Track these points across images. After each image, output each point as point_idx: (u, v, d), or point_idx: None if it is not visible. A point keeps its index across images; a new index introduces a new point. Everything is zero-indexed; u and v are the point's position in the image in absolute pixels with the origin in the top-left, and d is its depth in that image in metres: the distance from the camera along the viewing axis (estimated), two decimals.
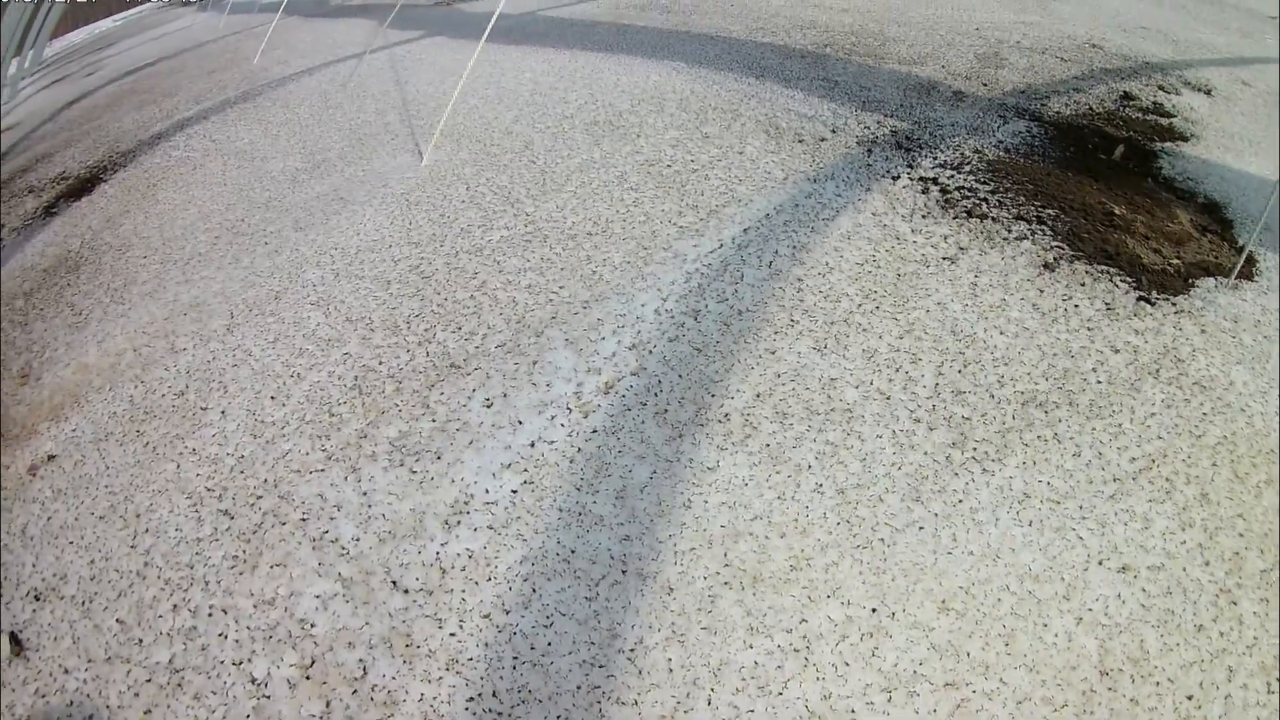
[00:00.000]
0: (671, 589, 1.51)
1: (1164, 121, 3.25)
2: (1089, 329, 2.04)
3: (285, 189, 3.23)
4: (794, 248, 2.32)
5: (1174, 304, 2.14)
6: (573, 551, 1.58)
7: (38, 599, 1.75)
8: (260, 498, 1.81)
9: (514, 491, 1.71)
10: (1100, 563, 1.54)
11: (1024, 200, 2.54)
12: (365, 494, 1.76)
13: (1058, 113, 3.24)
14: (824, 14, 4.76)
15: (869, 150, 2.87)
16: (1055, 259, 2.27)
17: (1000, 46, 4.10)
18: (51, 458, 2.11)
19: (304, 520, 1.73)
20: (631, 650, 1.43)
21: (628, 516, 1.63)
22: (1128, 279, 2.21)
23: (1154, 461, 1.72)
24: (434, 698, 1.40)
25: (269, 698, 1.45)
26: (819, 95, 3.39)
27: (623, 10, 5.21)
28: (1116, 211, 2.50)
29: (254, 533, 1.74)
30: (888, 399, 1.84)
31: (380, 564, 1.61)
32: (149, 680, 1.53)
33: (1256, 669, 1.42)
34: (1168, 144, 3.06)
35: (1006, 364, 1.93)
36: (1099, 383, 1.89)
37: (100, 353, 2.46)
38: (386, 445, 1.86)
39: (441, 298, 2.31)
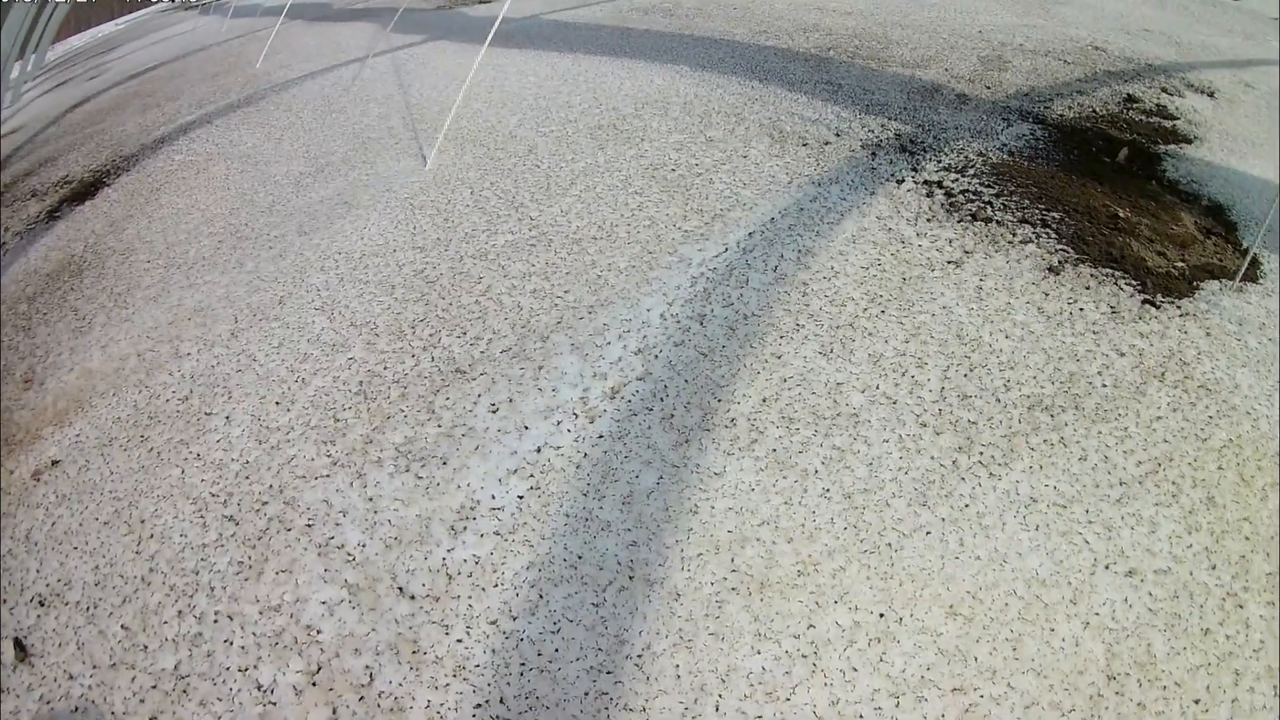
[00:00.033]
0: (679, 595, 1.51)
1: (1167, 124, 3.25)
2: (1094, 332, 2.04)
3: (289, 193, 3.23)
4: (799, 252, 2.32)
5: (1179, 307, 2.14)
6: (580, 557, 1.58)
7: (42, 604, 1.75)
8: (265, 503, 1.81)
9: (520, 497, 1.71)
10: (1107, 567, 1.54)
11: (1028, 203, 2.54)
12: (371, 500, 1.76)
13: (1061, 115, 3.24)
14: (827, 17, 4.76)
15: (873, 154, 2.87)
16: (1060, 262, 2.27)
17: (1003, 49, 4.10)
18: (55, 463, 2.11)
19: (309, 526, 1.73)
20: (639, 656, 1.43)
21: (635, 522, 1.63)
22: (1132, 282, 2.20)
23: (1160, 465, 1.72)
24: (441, 704, 1.40)
25: (275, 704, 1.45)
26: (822, 98, 3.39)
27: (626, 14, 5.21)
28: (1121, 214, 2.50)
29: (259, 539, 1.73)
30: (894, 403, 1.84)
31: (386, 570, 1.61)
32: (154, 687, 1.53)
33: (1263, 672, 1.42)
34: (1171, 146, 3.06)
35: (1012, 368, 1.93)
36: (1104, 386, 1.89)
37: (104, 357, 2.46)
38: (392, 451, 1.86)
39: (446, 302, 2.31)
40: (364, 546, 1.66)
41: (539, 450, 1.80)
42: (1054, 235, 2.38)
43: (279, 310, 2.45)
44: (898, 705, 1.35)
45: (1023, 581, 1.51)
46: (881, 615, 1.46)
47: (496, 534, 1.64)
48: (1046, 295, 2.15)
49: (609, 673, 1.41)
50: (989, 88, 3.53)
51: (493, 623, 1.50)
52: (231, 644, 1.55)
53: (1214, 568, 1.55)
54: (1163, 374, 1.93)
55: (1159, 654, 1.43)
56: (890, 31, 4.42)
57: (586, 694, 1.39)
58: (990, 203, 2.54)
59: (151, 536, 1.81)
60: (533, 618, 1.50)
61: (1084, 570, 1.53)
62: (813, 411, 1.83)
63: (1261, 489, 1.69)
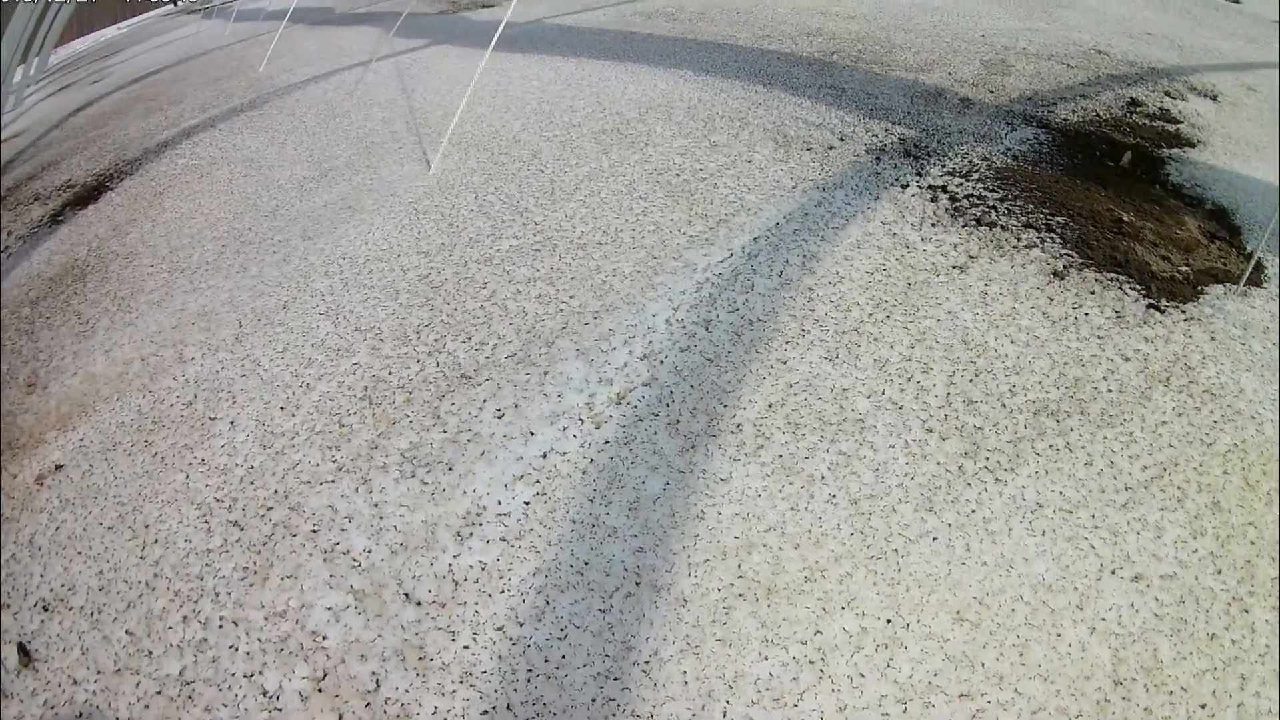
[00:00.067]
0: (686, 601, 1.51)
1: (1171, 127, 3.25)
2: (1099, 337, 2.03)
3: (292, 197, 3.23)
4: (804, 257, 2.33)
5: (1183, 311, 2.14)
6: (586, 563, 1.58)
7: (46, 610, 1.74)
8: (270, 509, 1.81)
9: (526, 503, 1.71)
10: (1113, 572, 1.53)
11: (1033, 208, 2.54)
12: (376, 505, 1.76)
13: (1065, 119, 3.24)
14: (830, 22, 4.77)
15: (877, 158, 2.87)
16: (1065, 267, 2.27)
17: (1006, 53, 4.11)
18: (59, 467, 2.11)
19: (315, 532, 1.73)
20: (646, 663, 1.43)
21: (641, 528, 1.63)
22: (1137, 286, 2.20)
23: (1165, 470, 1.72)
24: (448, 711, 1.40)
25: (281, 710, 1.45)
26: (826, 103, 3.39)
27: (629, 18, 5.22)
28: (1125, 218, 2.50)
29: (264, 544, 1.73)
30: (900, 409, 1.84)
31: (392, 576, 1.61)
32: (159, 692, 1.52)
33: (1269, 677, 1.41)
34: (1175, 150, 3.06)
35: (1018, 373, 1.93)
36: (1110, 391, 1.89)
37: (108, 362, 2.46)
38: (397, 456, 1.86)
39: (451, 307, 2.31)
40: (370, 552, 1.66)
41: (545, 456, 1.80)
42: (1058, 240, 2.38)
43: (283, 315, 2.45)
44: (905, 711, 1.35)
45: (1029, 587, 1.51)
46: (888, 621, 1.46)
47: (503, 540, 1.64)
48: (1051, 300, 2.15)
49: (616, 679, 1.41)
50: (992, 92, 3.53)
51: (499, 629, 1.50)
52: (237, 650, 1.55)
53: (1219, 572, 1.55)
54: (1167, 379, 1.93)
55: (1165, 659, 1.42)
56: (893, 36, 4.43)
57: (594, 700, 1.39)
58: (994, 207, 2.54)
59: (156, 541, 1.81)
60: (539, 624, 1.50)
61: (1090, 575, 1.53)
62: (819, 417, 1.83)
63: (1266, 493, 1.69)
